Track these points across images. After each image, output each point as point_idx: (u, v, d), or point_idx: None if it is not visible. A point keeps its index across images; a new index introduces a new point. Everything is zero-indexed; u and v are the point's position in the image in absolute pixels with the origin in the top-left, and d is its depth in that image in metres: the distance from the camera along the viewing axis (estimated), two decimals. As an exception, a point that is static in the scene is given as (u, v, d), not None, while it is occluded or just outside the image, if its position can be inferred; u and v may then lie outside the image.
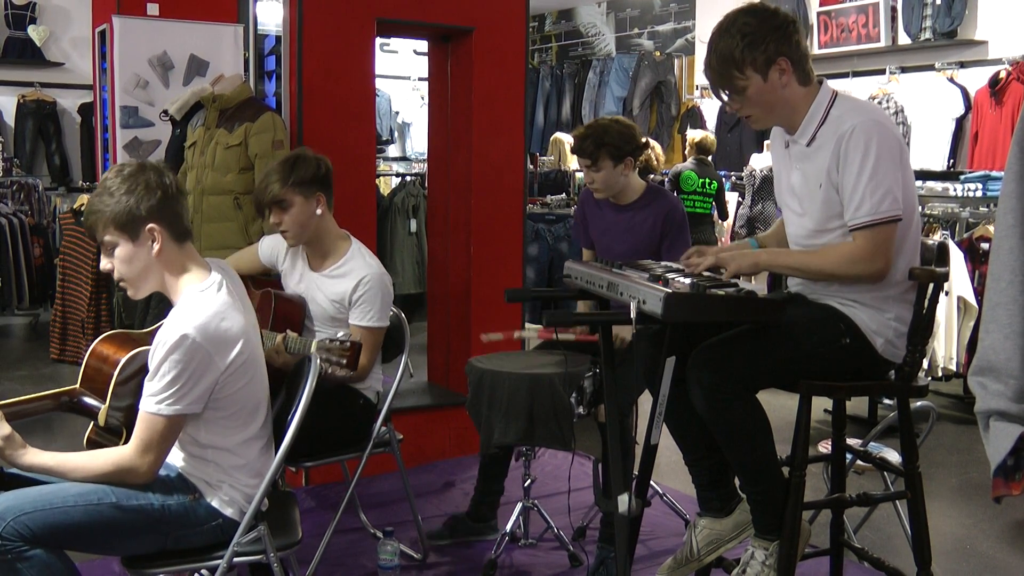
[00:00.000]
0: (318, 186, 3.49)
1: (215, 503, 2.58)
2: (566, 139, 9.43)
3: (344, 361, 3.04)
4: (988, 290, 1.66)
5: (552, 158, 9.39)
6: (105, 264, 2.55)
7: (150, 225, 2.48)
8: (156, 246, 2.50)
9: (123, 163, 2.58)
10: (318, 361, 2.74)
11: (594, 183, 3.80)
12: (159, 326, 2.60)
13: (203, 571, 2.82)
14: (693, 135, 8.07)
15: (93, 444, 2.68)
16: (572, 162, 9.06)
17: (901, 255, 2.64)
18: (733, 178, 9.02)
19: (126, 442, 2.55)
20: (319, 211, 3.50)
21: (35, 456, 2.44)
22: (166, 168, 2.57)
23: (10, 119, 9.76)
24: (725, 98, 2.71)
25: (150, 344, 2.62)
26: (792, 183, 2.76)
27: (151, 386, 2.44)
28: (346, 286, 3.51)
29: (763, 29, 2.59)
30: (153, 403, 2.43)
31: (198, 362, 2.42)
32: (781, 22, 2.63)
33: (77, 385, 2.69)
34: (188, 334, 2.40)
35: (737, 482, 2.80)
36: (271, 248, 3.73)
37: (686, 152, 8.13)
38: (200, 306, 2.47)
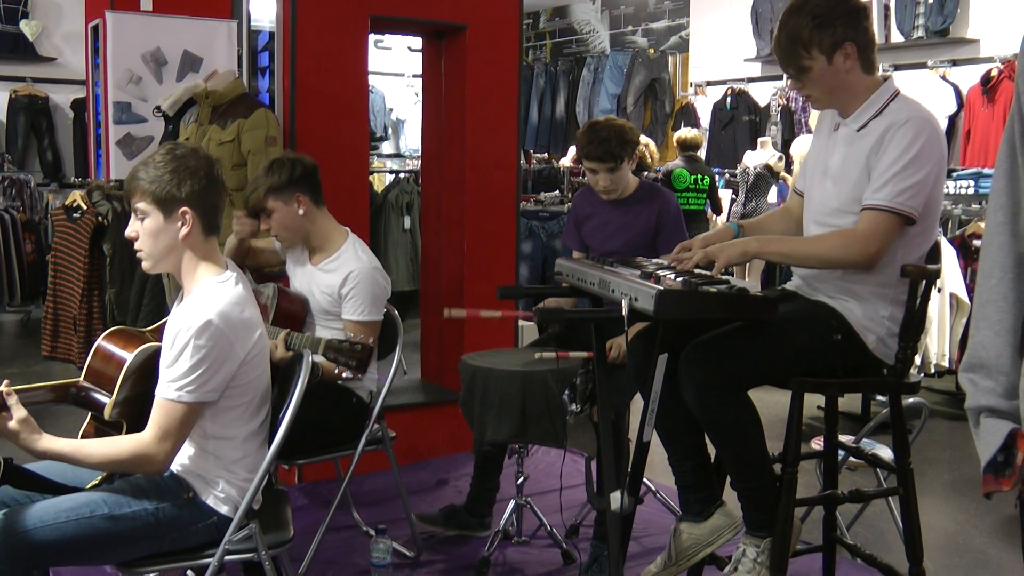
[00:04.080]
0: (296, 188, 3.54)
1: (210, 501, 2.57)
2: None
3: (354, 363, 3.07)
4: (978, 287, 1.66)
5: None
6: (130, 231, 2.56)
7: (184, 208, 2.50)
8: (185, 229, 2.51)
9: (177, 143, 2.62)
10: (311, 358, 2.74)
11: (610, 185, 3.74)
12: (163, 324, 2.61)
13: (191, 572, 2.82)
14: (678, 133, 8.07)
15: (89, 439, 2.67)
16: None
17: (907, 258, 2.64)
18: (727, 175, 9.02)
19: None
20: (302, 211, 3.55)
21: (50, 443, 2.40)
22: (217, 161, 2.60)
23: (2, 114, 9.69)
24: (789, 76, 2.75)
25: (156, 340, 2.63)
26: (830, 163, 2.76)
27: (171, 372, 2.43)
28: (336, 279, 3.55)
29: (834, 12, 2.62)
30: (173, 390, 2.43)
31: (220, 349, 2.44)
32: (853, 7, 2.66)
33: (81, 378, 2.69)
34: (212, 320, 2.42)
35: (728, 480, 2.80)
36: None
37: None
38: (220, 295, 2.49)
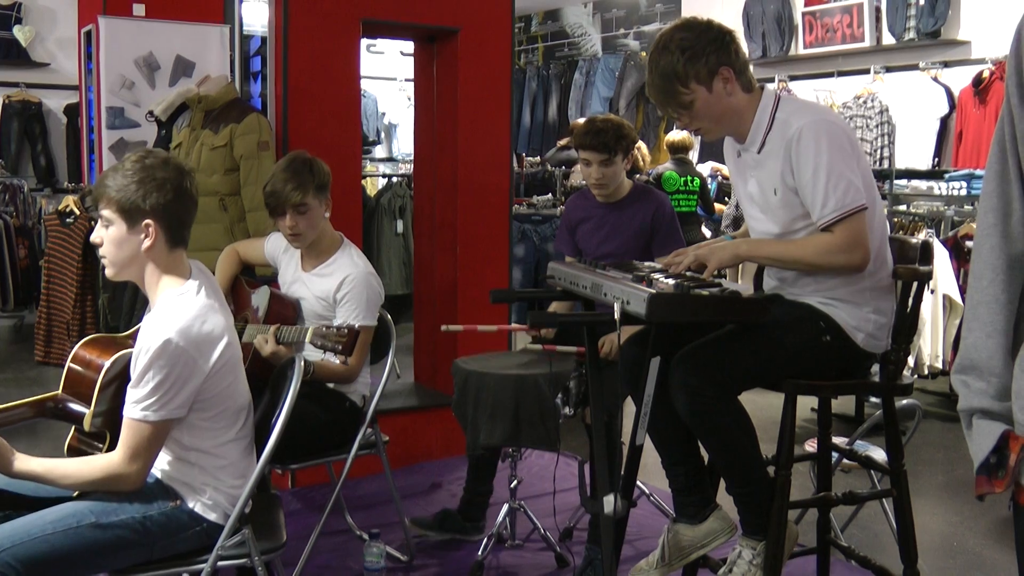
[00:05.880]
0: (327, 190, 3.60)
1: (197, 508, 2.55)
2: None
3: (340, 347, 3.06)
4: (970, 288, 1.66)
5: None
6: (95, 236, 2.54)
7: (148, 221, 2.46)
8: (148, 242, 2.47)
9: (150, 150, 2.56)
10: (302, 362, 2.74)
11: (602, 179, 3.74)
12: (140, 328, 2.59)
13: None
14: (669, 136, 8.10)
15: (74, 451, 2.64)
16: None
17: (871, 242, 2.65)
18: (719, 178, 9.03)
19: (110, 446, 2.53)
20: (327, 214, 3.61)
21: (24, 463, 2.39)
22: (189, 171, 2.55)
23: (-5, 120, 9.72)
24: (673, 115, 2.73)
25: (133, 346, 2.60)
26: (750, 191, 2.78)
27: (135, 393, 2.41)
28: (331, 284, 3.55)
29: (701, 42, 2.63)
30: (139, 410, 2.40)
31: (182, 366, 2.40)
32: (717, 34, 2.67)
33: (59, 391, 2.66)
34: (171, 339, 2.38)
35: (722, 485, 2.80)
36: (275, 246, 3.79)
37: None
38: (180, 309, 2.45)
